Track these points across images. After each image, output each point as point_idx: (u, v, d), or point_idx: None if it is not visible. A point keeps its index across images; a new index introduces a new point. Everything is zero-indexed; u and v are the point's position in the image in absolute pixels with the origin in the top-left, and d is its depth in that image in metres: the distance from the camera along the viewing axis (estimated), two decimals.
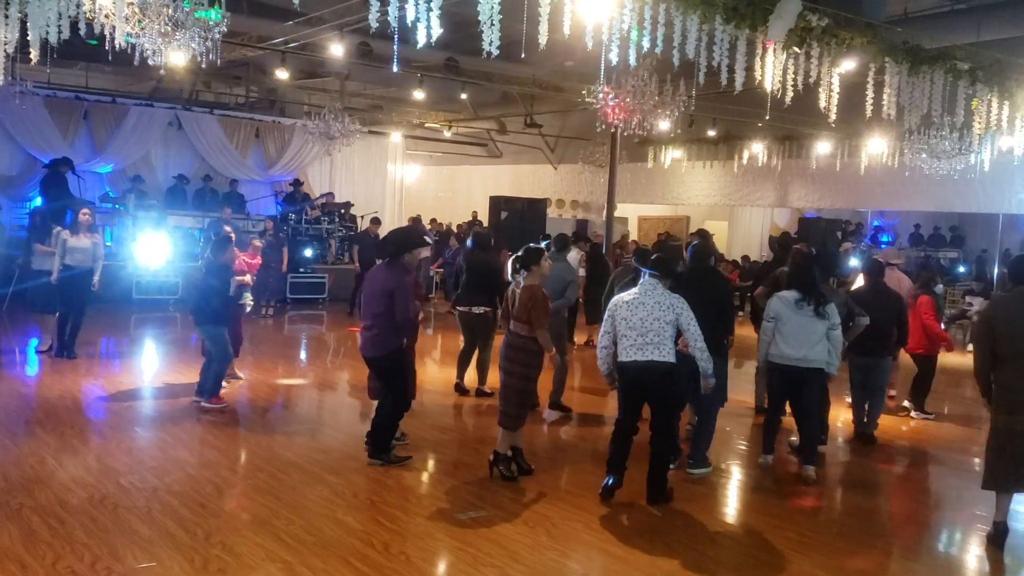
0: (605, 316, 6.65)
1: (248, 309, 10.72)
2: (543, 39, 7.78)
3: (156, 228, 16.60)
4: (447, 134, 24.86)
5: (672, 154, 22.56)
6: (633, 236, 25.91)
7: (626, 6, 8.17)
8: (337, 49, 13.49)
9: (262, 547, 5.34)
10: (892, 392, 10.62)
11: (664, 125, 13.93)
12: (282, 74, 15.74)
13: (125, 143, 19.04)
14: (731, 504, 7.10)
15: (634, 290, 6.55)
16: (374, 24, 6.92)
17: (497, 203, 20.81)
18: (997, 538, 6.16)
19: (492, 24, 7.51)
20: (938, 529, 6.95)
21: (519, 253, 7.22)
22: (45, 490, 6.16)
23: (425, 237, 11.80)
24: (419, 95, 17.39)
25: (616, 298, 6.62)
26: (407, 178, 25.12)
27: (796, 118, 18.53)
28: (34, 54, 9.14)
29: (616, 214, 21.51)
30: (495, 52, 7.65)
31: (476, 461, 7.43)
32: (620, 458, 6.66)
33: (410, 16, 7.10)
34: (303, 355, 13.31)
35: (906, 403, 10.50)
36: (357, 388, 10.73)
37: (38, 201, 17.17)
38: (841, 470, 8.25)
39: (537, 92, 19.47)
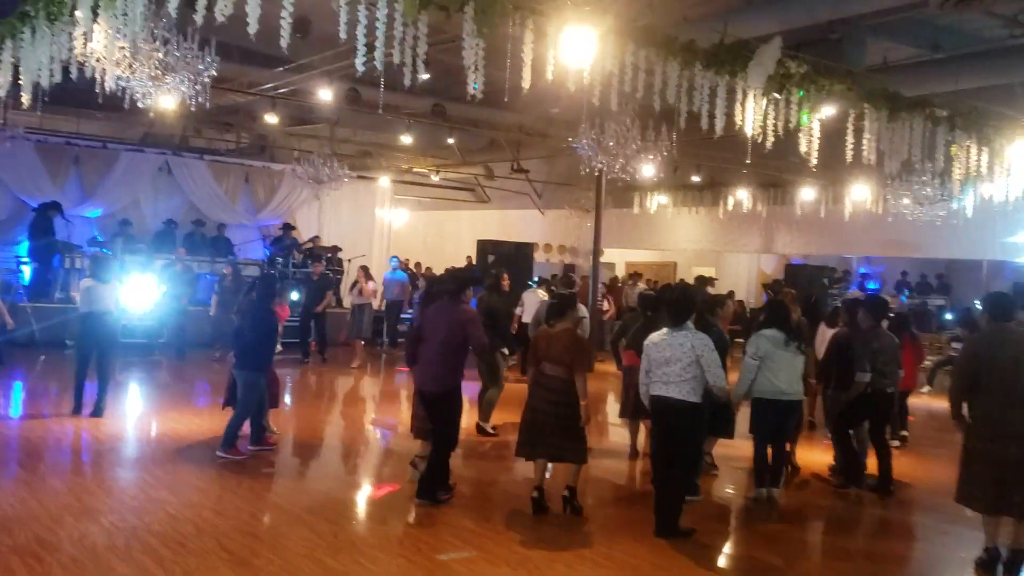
0: (643, 355, 6.94)
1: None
2: (526, 84, 7.89)
3: (143, 272, 16.60)
4: (435, 179, 25.03)
5: (658, 199, 22.73)
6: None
7: (608, 53, 8.32)
8: (326, 94, 13.64)
9: None
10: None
11: (648, 171, 14.12)
12: (271, 119, 15.86)
13: (115, 188, 19.11)
14: (724, 537, 7.08)
15: (664, 330, 6.84)
16: (360, 68, 7.03)
17: (484, 247, 20.93)
18: (990, 563, 6.29)
19: (476, 69, 7.67)
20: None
21: (553, 300, 7.87)
22: (24, 529, 6.12)
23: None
24: (406, 139, 17.55)
25: (649, 338, 6.92)
26: (396, 223, 25.24)
27: (779, 164, 18.78)
28: (26, 98, 9.27)
29: (604, 260, 21.63)
30: (479, 95, 7.81)
31: (459, 502, 7.41)
32: (662, 508, 6.82)
33: (396, 60, 7.23)
34: (287, 399, 13.28)
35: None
36: (341, 433, 10.75)
37: (25, 245, 17.17)
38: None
39: (523, 138, 19.66)
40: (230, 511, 6.92)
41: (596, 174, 14.27)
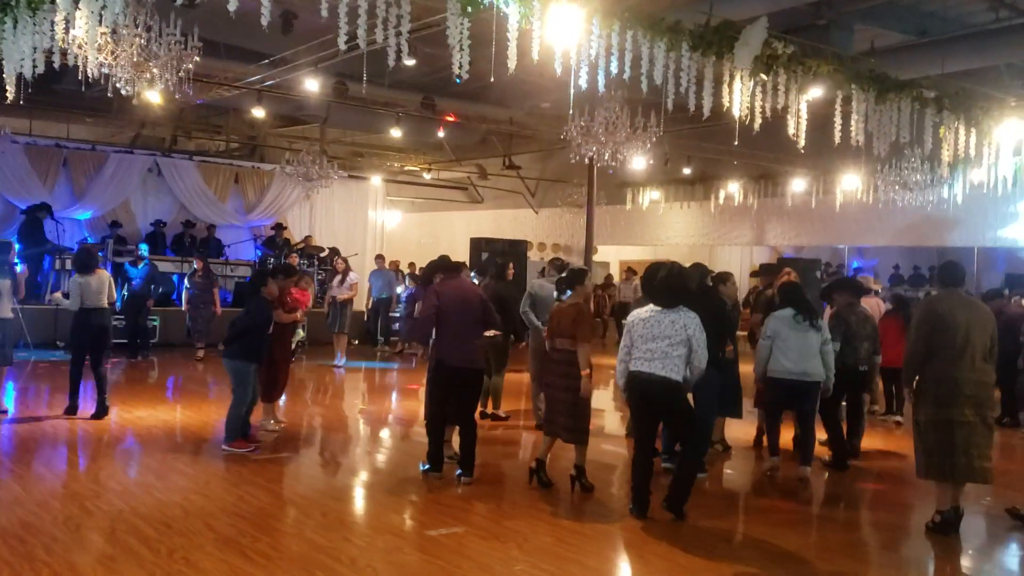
0: (624, 331, 6.77)
1: (298, 351, 10.25)
2: (512, 64, 7.82)
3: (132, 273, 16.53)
4: (427, 177, 24.99)
5: (650, 195, 22.73)
6: (617, 280, 25.94)
7: (593, 32, 8.28)
8: (312, 84, 13.58)
9: (226, 562, 5.26)
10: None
11: (638, 161, 14.08)
12: (259, 112, 15.79)
13: (104, 190, 19.02)
14: (715, 512, 7.02)
15: (651, 306, 6.61)
16: (343, 46, 6.98)
17: (478, 245, 20.86)
18: (944, 526, 6.37)
19: (461, 49, 7.62)
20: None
21: (563, 274, 7.87)
22: (7, 513, 6.06)
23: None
24: (396, 133, 17.49)
25: (634, 313, 6.73)
26: (389, 224, 25.18)
27: (769, 156, 18.78)
28: (11, 91, 9.20)
29: (597, 258, 21.60)
30: (465, 76, 7.74)
31: (448, 482, 7.35)
32: (641, 486, 6.59)
33: (379, 39, 7.18)
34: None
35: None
36: (332, 423, 10.68)
37: (15, 247, 17.08)
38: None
39: (515, 131, 19.64)
40: (217, 494, 6.86)
41: (587, 162, 14.22)
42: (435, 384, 7.60)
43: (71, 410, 9.56)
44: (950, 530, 6.39)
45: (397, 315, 18.32)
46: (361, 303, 18.16)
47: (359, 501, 7.18)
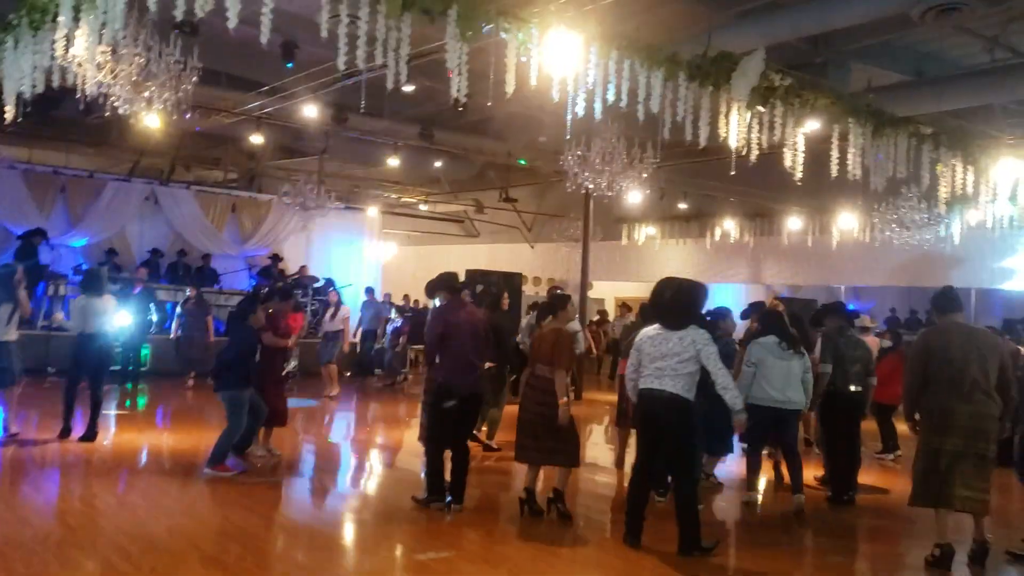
0: (632, 350, 6.56)
1: (289, 381, 9.99)
2: (510, 89, 7.83)
3: (127, 301, 16.45)
4: (423, 208, 25.03)
5: (646, 231, 22.76)
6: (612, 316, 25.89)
7: (591, 60, 8.31)
8: (311, 111, 13.62)
9: None
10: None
11: (635, 194, 14.10)
12: (257, 139, 15.81)
13: (101, 217, 19.01)
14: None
15: (658, 326, 6.44)
16: (341, 66, 6.97)
17: (473, 276, 20.79)
18: (944, 560, 6.23)
19: (460, 73, 7.64)
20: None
21: (544, 300, 7.55)
22: None
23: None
24: (394, 162, 17.53)
25: (642, 332, 6.56)
26: (385, 257, 25.16)
27: (766, 194, 18.85)
28: (9, 111, 9.20)
29: (592, 294, 21.55)
30: (463, 99, 7.74)
31: (437, 510, 7.24)
32: (635, 513, 6.38)
33: (379, 60, 7.19)
34: None
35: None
36: (321, 451, 10.57)
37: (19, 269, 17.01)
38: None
39: (512, 162, 19.69)
40: (203, 516, 6.77)
41: (583, 192, 14.22)
42: (438, 409, 7.32)
43: (65, 433, 9.29)
44: (948, 563, 6.25)
45: (384, 347, 18.21)
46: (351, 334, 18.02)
47: (347, 525, 7.06)
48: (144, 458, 8.87)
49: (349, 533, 6.79)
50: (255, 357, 8.33)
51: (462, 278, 21.62)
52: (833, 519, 7.99)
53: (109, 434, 10.09)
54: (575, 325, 9.68)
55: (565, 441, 7.03)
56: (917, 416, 6.51)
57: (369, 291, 18.43)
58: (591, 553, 6.37)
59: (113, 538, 5.92)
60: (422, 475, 7.52)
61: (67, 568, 5.26)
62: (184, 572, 5.26)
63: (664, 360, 6.19)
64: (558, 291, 10.70)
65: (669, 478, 7.22)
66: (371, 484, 8.87)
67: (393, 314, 18.43)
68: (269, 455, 8.98)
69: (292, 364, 9.76)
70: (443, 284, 7.64)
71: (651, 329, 6.45)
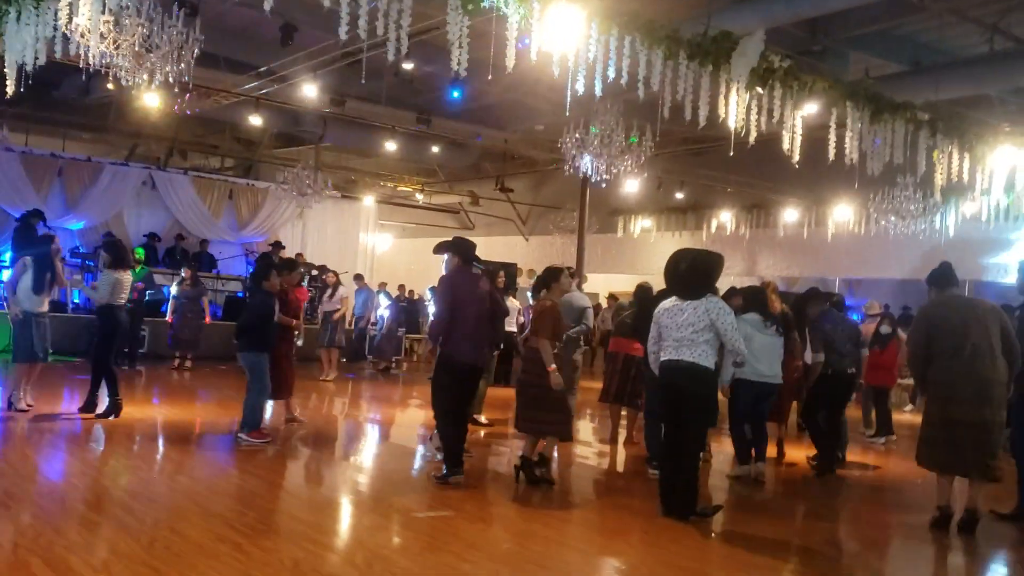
0: (652, 323, 6.62)
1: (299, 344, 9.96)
2: (510, 64, 7.87)
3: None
4: (419, 199, 25.05)
5: (641, 223, 22.80)
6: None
7: (592, 37, 8.35)
8: (311, 90, 13.65)
9: (212, 531, 5.19)
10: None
11: (632, 182, 14.17)
12: (256, 120, 15.82)
13: (98, 201, 19.01)
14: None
15: (675, 298, 6.51)
16: (343, 35, 7.00)
17: None
18: (942, 521, 6.40)
19: (460, 46, 7.68)
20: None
21: (540, 274, 7.67)
22: None
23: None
24: (391, 146, 17.54)
25: (660, 305, 6.62)
26: (380, 248, 25.17)
27: (762, 184, 18.93)
28: (10, 85, 9.22)
29: (587, 288, 21.57)
30: (463, 72, 7.78)
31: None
32: (667, 483, 6.39)
33: (379, 31, 7.22)
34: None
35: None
36: (316, 427, 10.58)
37: (8, 254, 17.05)
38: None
39: (509, 150, 19.74)
40: (205, 476, 6.83)
41: (581, 178, 14.29)
42: (445, 382, 7.08)
43: (88, 408, 9.05)
44: (947, 524, 6.41)
45: (375, 333, 18.23)
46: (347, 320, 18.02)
47: (348, 488, 7.09)
48: (145, 429, 8.84)
49: (349, 495, 6.81)
50: (273, 321, 8.35)
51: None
52: (822, 490, 8.08)
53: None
54: (584, 300, 9.61)
55: (557, 412, 7.08)
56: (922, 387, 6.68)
57: (359, 278, 18.39)
58: (583, 514, 6.47)
59: (115, 495, 5.97)
60: (438, 456, 7.42)
61: (71, 519, 5.29)
62: (185, 524, 5.29)
63: (681, 331, 6.28)
64: (569, 268, 10.66)
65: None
66: (370, 454, 8.91)
67: (382, 300, 18.34)
68: (298, 423, 9.15)
69: (298, 341, 9.75)
70: (456, 248, 7.38)
71: (668, 301, 6.52)
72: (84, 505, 5.66)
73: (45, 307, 9.07)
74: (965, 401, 6.25)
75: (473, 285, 7.19)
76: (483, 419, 10.08)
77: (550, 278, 7.51)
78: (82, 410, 9.07)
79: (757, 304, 8.03)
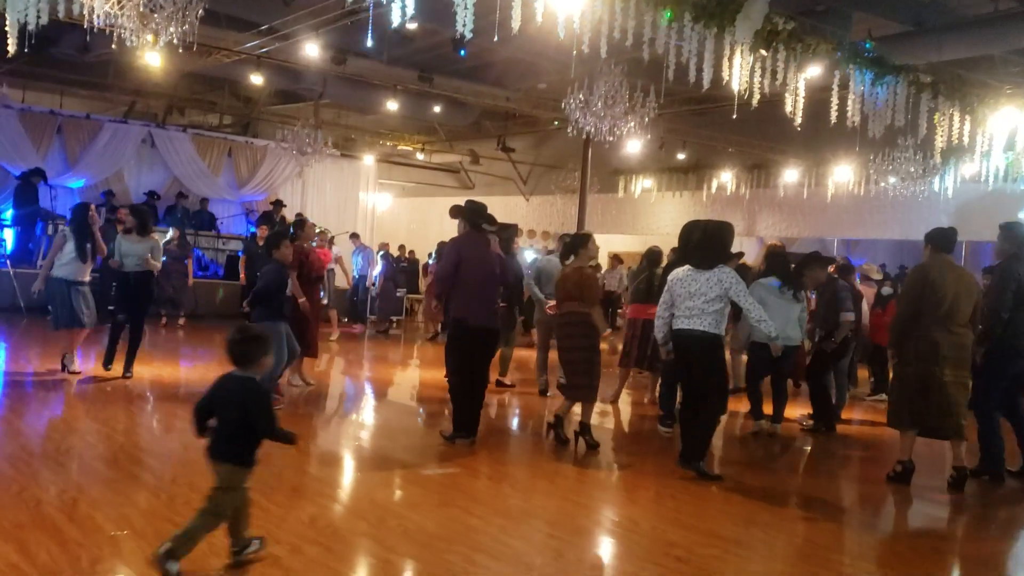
0: (665, 288, 6.75)
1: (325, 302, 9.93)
2: (516, 24, 7.88)
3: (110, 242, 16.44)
4: (420, 158, 25.00)
5: (642, 183, 22.82)
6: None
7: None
8: (312, 49, 13.60)
9: None
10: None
11: (635, 142, 14.17)
12: (257, 79, 15.76)
13: (98, 159, 18.99)
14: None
15: (688, 267, 6.62)
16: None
17: None
18: (905, 476, 6.68)
19: (466, 8, 7.69)
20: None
21: (567, 240, 7.73)
22: (13, 443, 6.12)
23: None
24: (393, 106, 17.48)
25: (673, 273, 6.74)
26: (380, 208, 25.16)
27: (764, 144, 18.94)
28: (12, 44, 9.20)
29: None
30: (468, 35, 7.80)
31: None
32: (688, 436, 6.63)
33: None
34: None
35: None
36: (333, 386, 10.70)
37: (9, 212, 17.08)
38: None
39: (510, 109, 19.68)
40: None
41: (584, 138, 14.30)
42: (457, 346, 7.17)
43: (108, 365, 9.20)
44: (908, 479, 6.68)
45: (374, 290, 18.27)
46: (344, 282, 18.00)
47: (359, 446, 7.23)
48: (149, 388, 8.95)
49: (360, 452, 6.95)
50: (284, 291, 8.35)
51: (456, 228, 21.59)
52: (824, 448, 8.25)
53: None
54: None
55: (593, 376, 7.22)
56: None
57: (355, 236, 18.35)
58: (590, 473, 6.59)
59: (131, 452, 6.09)
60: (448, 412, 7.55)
61: (91, 476, 5.43)
62: (202, 480, 5.36)
63: (693, 300, 6.43)
64: (567, 236, 10.73)
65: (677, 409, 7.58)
66: (376, 414, 9.04)
67: (378, 258, 18.25)
68: (304, 385, 9.25)
69: (324, 300, 9.80)
70: (464, 212, 7.45)
71: (681, 270, 6.64)
72: (102, 463, 5.78)
73: (86, 276, 9.16)
74: (945, 363, 6.50)
75: (480, 249, 7.25)
76: (507, 381, 10.26)
77: (578, 244, 7.53)
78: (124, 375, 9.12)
79: (779, 269, 8.28)
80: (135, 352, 9.25)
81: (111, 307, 13.72)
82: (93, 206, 9.58)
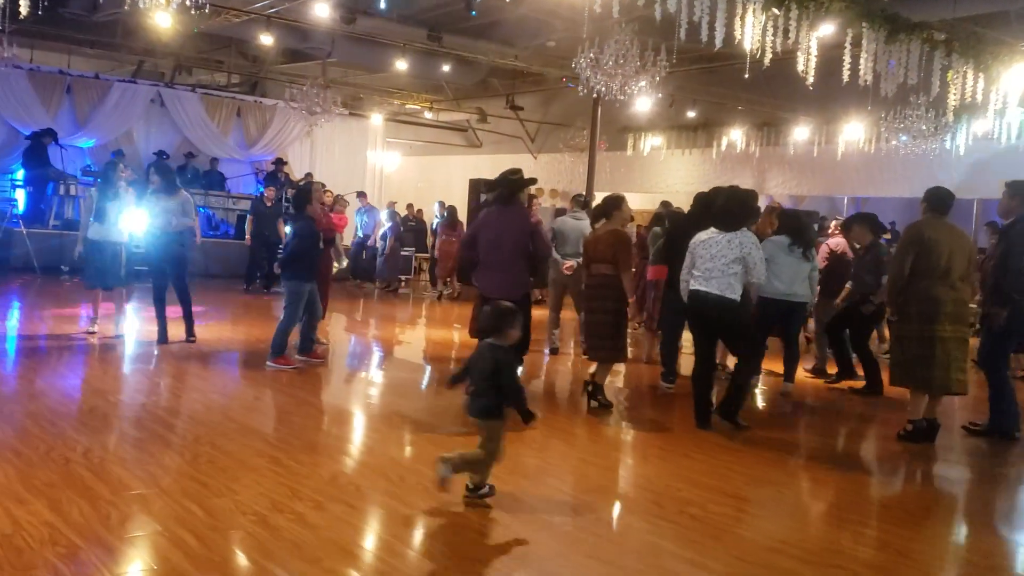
0: (688, 251, 6.85)
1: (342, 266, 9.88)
2: None
3: (137, 203, 16.52)
4: (428, 116, 24.90)
5: (651, 141, 22.73)
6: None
7: None
8: (323, 9, 13.54)
9: (250, 447, 5.43)
10: None
11: (645, 100, 14.10)
12: (267, 39, 15.70)
13: (108, 118, 19.02)
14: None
15: (712, 229, 6.75)
16: None
17: (476, 185, 20.91)
18: (915, 435, 6.81)
19: None
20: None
21: (599, 202, 7.76)
22: (36, 402, 6.23)
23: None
24: (402, 66, 17.39)
25: (696, 236, 6.85)
26: (388, 166, 25.14)
27: (774, 102, 18.83)
28: (24, 4, 9.22)
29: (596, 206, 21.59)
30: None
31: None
32: (701, 400, 6.81)
33: None
34: None
35: None
36: (350, 345, 10.81)
37: (20, 172, 17.14)
38: None
39: (519, 67, 19.55)
40: (237, 395, 7.07)
41: (594, 97, 14.25)
42: (477, 312, 7.41)
43: (162, 339, 8.99)
44: (921, 439, 6.79)
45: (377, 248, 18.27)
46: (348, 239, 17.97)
47: (376, 405, 7.33)
48: (169, 349, 9.05)
49: (377, 411, 7.05)
50: (318, 247, 8.37)
51: (464, 188, 21.34)
52: (834, 406, 8.35)
53: (141, 324, 10.35)
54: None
55: (617, 338, 7.32)
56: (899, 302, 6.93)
57: (362, 195, 18.35)
58: (604, 431, 6.70)
59: (153, 412, 6.20)
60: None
61: (115, 435, 5.56)
62: (224, 440, 5.53)
63: (712, 262, 6.57)
64: (581, 196, 10.85)
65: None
66: (391, 373, 9.12)
67: (384, 218, 18.20)
68: (320, 344, 9.24)
69: (343, 263, 9.77)
70: (492, 187, 7.55)
71: (704, 233, 6.77)
72: (126, 423, 5.90)
73: (114, 235, 9.19)
74: (947, 319, 6.65)
75: (498, 220, 7.25)
76: None
77: (611, 206, 7.51)
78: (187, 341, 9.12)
79: (791, 229, 8.36)
80: (191, 315, 9.19)
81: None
82: (122, 164, 9.63)
